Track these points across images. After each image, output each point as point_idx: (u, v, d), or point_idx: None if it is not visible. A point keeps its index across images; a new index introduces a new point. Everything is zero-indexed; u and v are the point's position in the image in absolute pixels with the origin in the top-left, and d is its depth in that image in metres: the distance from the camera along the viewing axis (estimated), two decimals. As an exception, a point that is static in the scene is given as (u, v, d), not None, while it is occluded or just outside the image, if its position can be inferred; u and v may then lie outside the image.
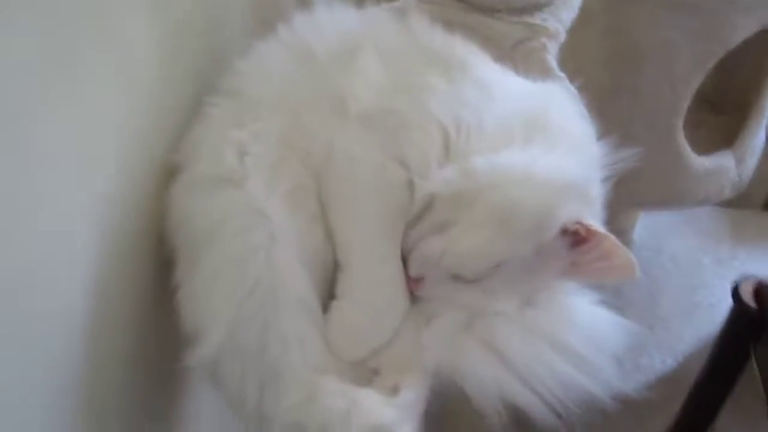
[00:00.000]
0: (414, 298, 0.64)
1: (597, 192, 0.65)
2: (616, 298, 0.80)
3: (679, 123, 1.20)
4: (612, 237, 0.61)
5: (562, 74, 0.80)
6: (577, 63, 0.96)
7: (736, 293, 1.10)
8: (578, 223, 0.60)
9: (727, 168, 1.28)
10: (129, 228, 0.62)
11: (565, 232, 0.60)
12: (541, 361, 0.60)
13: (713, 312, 1.53)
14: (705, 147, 1.31)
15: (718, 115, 1.41)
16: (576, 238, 0.61)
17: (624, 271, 0.62)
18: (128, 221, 0.62)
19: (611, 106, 1.18)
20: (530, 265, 0.61)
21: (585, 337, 0.62)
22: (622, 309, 1.11)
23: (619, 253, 0.61)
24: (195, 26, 0.74)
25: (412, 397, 0.58)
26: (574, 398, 0.61)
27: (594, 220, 0.62)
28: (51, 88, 0.49)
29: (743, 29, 1.11)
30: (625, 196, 1.30)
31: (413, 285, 0.62)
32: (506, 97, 0.66)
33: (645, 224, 1.68)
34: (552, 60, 0.81)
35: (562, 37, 0.84)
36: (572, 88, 0.75)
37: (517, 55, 0.81)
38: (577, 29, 0.92)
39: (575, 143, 0.65)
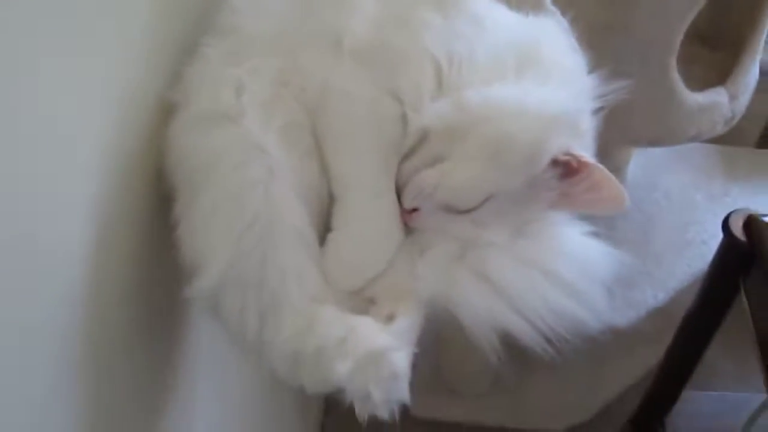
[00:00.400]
0: (408, 229, 0.65)
1: (588, 124, 0.66)
2: (610, 234, 0.81)
3: (673, 59, 1.20)
4: (602, 168, 0.62)
5: (553, 8, 0.80)
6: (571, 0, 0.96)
7: (726, 226, 1.12)
8: (568, 154, 0.61)
9: (720, 104, 1.29)
10: (127, 167, 0.63)
11: (555, 163, 0.61)
12: (533, 289, 0.61)
13: (705, 248, 1.56)
14: (699, 83, 1.31)
15: (713, 52, 1.41)
16: (566, 169, 0.62)
17: (614, 201, 0.64)
18: (126, 160, 0.63)
19: (604, 43, 1.16)
20: (521, 197, 0.62)
21: (575, 265, 0.64)
22: (615, 244, 1.12)
23: (609, 184, 0.62)
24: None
25: (407, 324, 0.60)
26: (566, 326, 0.63)
27: (585, 151, 0.63)
28: (45, 31, 0.49)
29: None
30: (619, 133, 1.31)
31: (407, 217, 0.64)
32: (499, 31, 0.66)
33: (638, 162, 1.69)
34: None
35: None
36: (564, 22, 0.75)
37: (510, -10, 0.82)
38: None
39: (567, 76, 0.66)
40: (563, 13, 0.79)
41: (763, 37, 1.32)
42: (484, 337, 0.62)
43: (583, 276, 0.64)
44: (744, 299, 1.11)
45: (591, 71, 0.69)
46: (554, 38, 0.69)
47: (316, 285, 0.62)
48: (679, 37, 1.17)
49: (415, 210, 0.63)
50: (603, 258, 0.66)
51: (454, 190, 0.62)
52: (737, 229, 1.10)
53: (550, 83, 0.64)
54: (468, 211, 0.63)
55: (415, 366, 0.60)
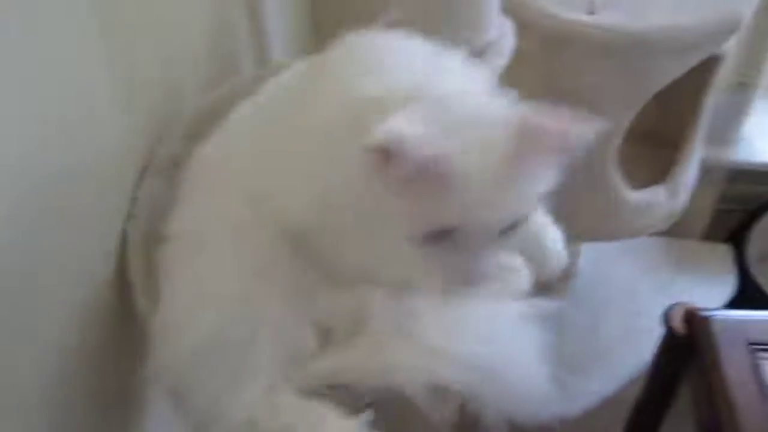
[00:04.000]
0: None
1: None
2: (559, 324, 0.83)
3: (612, 160, 1.28)
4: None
5: None
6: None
7: (666, 319, 1.17)
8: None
9: (658, 203, 1.37)
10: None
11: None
12: (465, 350, 0.67)
13: (653, 337, 1.60)
14: (642, 180, 1.39)
15: (656, 149, 1.49)
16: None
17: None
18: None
19: None
20: None
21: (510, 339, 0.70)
22: (566, 334, 1.14)
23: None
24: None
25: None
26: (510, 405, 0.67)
27: None
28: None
29: (667, 73, 1.19)
30: (565, 227, 1.35)
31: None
32: None
33: (589, 255, 1.76)
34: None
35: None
36: None
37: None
38: (515, 71, 0.99)
39: None
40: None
41: (699, 135, 1.41)
42: (431, 403, 0.65)
43: (520, 350, 0.69)
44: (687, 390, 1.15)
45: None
46: None
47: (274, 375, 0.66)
48: (618, 139, 1.25)
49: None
50: (536, 338, 0.70)
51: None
52: (677, 322, 1.15)
53: None
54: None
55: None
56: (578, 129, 0.62)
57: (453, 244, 0.62)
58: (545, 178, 0.65)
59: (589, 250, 1.76)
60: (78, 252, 0.70)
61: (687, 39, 1.13)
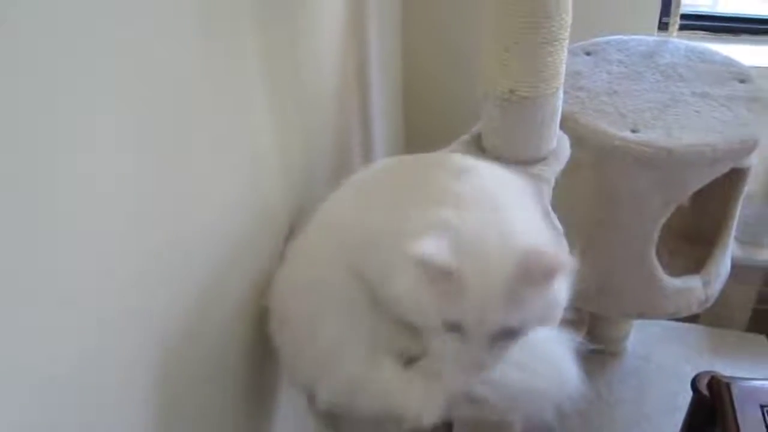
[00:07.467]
0: None
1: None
2: (608, 394, 1.02)
3: (652, 249, 1.46)
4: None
5: (552, 213, 1.07)
6: (571, 201, 1.25)
7: (694, 385, 1.36)
8: None
9: (694, 288, 1.55)
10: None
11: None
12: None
13: (691, 412, 1.78)
14: (680, 271, 1.57)
15: (693, 246, 1.67)
16: None
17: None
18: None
19: (598, 235, 1.46)
20: None
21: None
22: (612, 404, 1.35)
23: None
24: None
25: None
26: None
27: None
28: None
29: (696, 181, 1.39)
30: (613, 307, 1.57)
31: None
32: None
33: (638, 336, 1.95)
34: (546, 201, 1.11)
35: (552, 182, 1.16)
36: (559, 227, 1.04)
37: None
38: (571, 175, 1.22)
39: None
40: (565, 214, 1.07)
41: (730, 236, 1.58)
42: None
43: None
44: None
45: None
46: None
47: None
48: (656, 233, 1.43)
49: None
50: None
51: None
52: (703, 387, 1.35)
53: None
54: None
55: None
56: (566, 265, 0.78)
57: (461, 336, 0.80)
58: (535, 305, 0.79)
59: (638, 333, 1.96)
60: (248, 269, 0.99)
61: (712, 155, 1.33)
